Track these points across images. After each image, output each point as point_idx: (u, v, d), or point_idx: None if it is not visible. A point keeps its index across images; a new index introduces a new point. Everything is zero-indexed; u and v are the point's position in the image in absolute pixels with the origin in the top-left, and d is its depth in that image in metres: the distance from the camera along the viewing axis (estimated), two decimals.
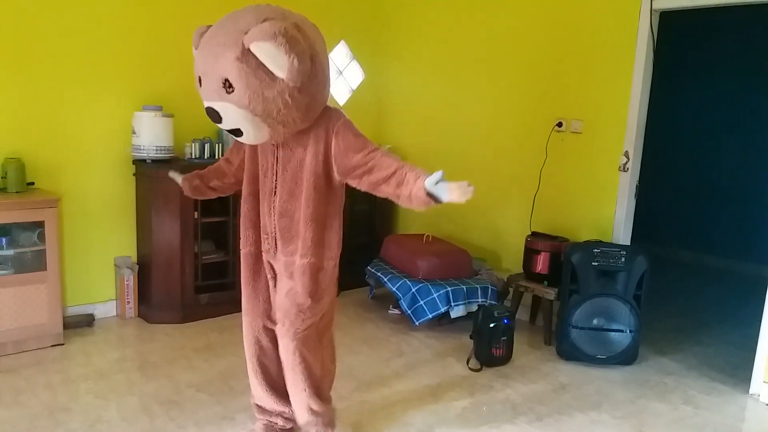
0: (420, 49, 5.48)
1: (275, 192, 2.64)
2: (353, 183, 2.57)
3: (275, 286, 2.79)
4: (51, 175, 4.11)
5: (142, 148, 4.21)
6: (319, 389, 2.80)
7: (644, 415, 3.40)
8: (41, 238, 3.82)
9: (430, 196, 2.28)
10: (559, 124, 4.51)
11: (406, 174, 2.38)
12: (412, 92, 5.60)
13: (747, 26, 6.30)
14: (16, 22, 3.88)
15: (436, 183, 2.25)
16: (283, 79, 2.26)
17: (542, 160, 4.59)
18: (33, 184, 3.97)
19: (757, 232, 6.30)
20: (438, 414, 3.30)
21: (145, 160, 4.26)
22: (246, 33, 2.21)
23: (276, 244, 2.68)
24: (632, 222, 4.35)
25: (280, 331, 2.72)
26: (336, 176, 2.58)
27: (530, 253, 4.38)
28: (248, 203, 2.77)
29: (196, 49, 2.43)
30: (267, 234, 2.71)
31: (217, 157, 4.52)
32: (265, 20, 2.24)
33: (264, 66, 2.23)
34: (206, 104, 2.40)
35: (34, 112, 4.01)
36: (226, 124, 2.40)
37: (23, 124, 3.98)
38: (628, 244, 4.28)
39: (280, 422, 2.94)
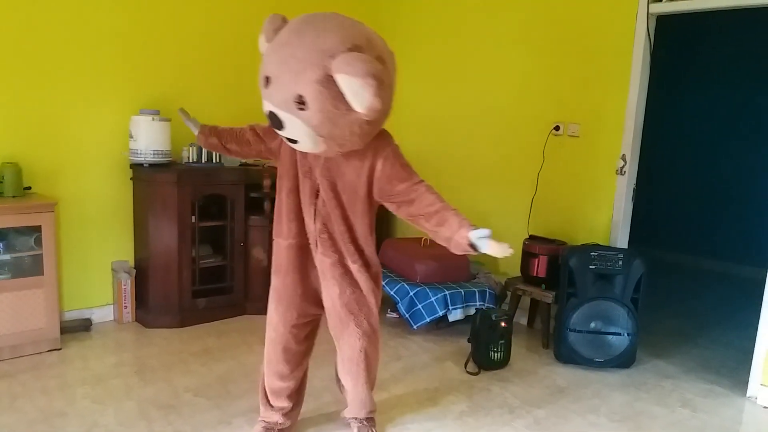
0: (417, 53, 5.49)
1: (317, 195, 2.67)
2: (390, 208, 2.67)
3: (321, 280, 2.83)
4: (48, 179, 4.11)
5: (139, 152, 4.21)
6: (373, 383, 3.02)
7: (642, 418, 3.40)
8: (38, 242, 3.81)
9: (471, 246, 2.43)
10: (557, 128, 4.52)
11: (449, 217, 2.49)
12: (410, 96, 5.60)
13: (744, 30, 6.32)
14: (13, 27, 3.88)
15: (480, 237, 2.40)
16: (357, 112, 2.26)
17: (540, 163, 4.59)
18: (30, 188, 3.97)
19: (755, 235, 6.31)
20: (436, 418, 3.29)
21: (142, 165, 4.26)
22: (332, 57, 2.18)
23: (317, 244, 2.72)
24: (629, 225, 4.36)
25: (347, 330, 2.80)
26: (375, 197, 2.66)
27: (528, 256, 4.38)
28: (291, 198, 2.72)
29: (268, 42, 2.38)
30: (309, 232, 2.74)
31: (215, 161, 4.52)
32: (352, 46, 2.21)
33: (343, 96, 2.21)
34: (270, 108, 2.35)
35: (31, 117, 4.01)
36: (285, 133, 2.40)
37: (20, 128, 3.97)
38: (626, 247, 4.29)
39: (280, 420, 2.97)
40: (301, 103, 2.24)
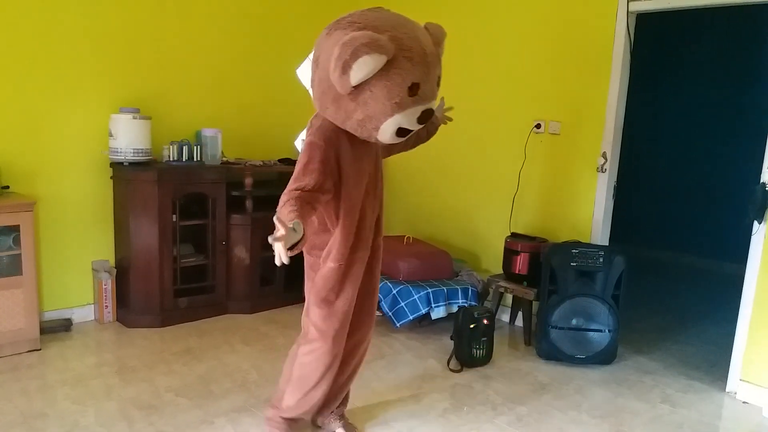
0: None
1: (373, 193, 2.74)
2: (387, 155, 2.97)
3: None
4: (27, 178, 4.06)
5: (119, 150, 4.18)
6: None
7: (623, 414, 3.43)
8: (17, 242, 3.77)
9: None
10: (538, 126, 4.54)
11: None
12: None
13: (723, 28, 6.38)
14: None
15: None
16: None
17: (521, 161, 4.61)
18: (8, 187, 3.92)
19: (734, 232, 6.33)
20: (418, 415, 3.30)
21: (122, 163, 4.22)
22: (432, 35, 2.47)
23: (370, 238, 2.79)
24: (610, 222, 4.39)
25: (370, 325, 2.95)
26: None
27: (510, 254, 4.40)
28: (351, 216, 2.62)
29: (389, 55, 2.24)
30: (366, 234, 2.74)
31: (196, 159, 4.49)
32: (425, 25, 2.52)
33: None
34: (427, 106, 2.42)
35: (10, 115, 3.96)
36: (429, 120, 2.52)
37: None
38: (606, 244, 4.32)
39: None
40: (438, 84, 2.49)
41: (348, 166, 2.54)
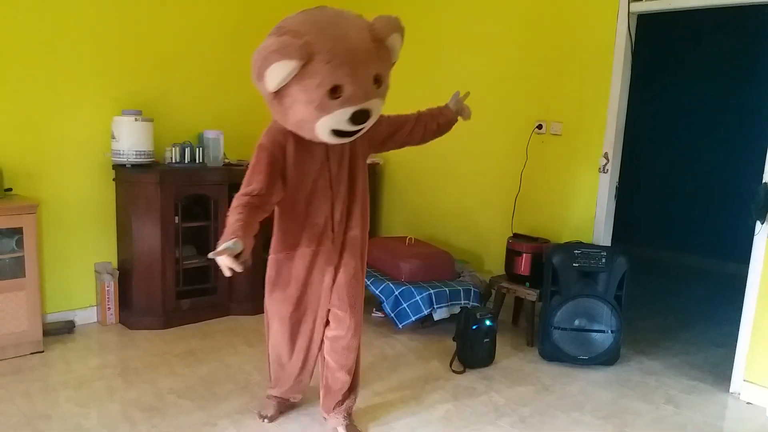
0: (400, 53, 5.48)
1: (331, 190, 2.74)
2: (390, 149, 3.02)
3: (333, 277, 2.86)
4: (29, 180, 4.07)
5: (121, 153, 4.19)
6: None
7: (626, 415, 3.42)
8: (20, 244, 3.78)
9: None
10: (539, 127, 4.54)
11: (433, 110, 3.08)
12: (392, 95, 5.58)
13: (724, 28, 6.37)
14: None
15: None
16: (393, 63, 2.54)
17: (523, 162, 4.61)
18: (11, 190, 3.93)
19: (736, 232, 6.33)
20: (421, 416, 3.30)
21: (124, 165, 4.23)
22: (372, 29, 2.41)
23: (333, 230, 2.79)
24: (612, 223, 4.38)
25: (345, 315, 2.86)
26: (373, 152, 2.94)
27: (512, 254, 4.39)
28: (290, 213, 2.76)
29: (306, 61, 2.27)
30: (323, 226, 2.77)
31: (198, 161, 4.49)
32: (364, 18, 2.47)
33: (390, 55, 2.49)
34: (357, 108, 2.40)
35: (12, 118, 3.97)
36: (369, 121, 2.51)
37: (1, 129, 3.94)
38: (609, 245, 4.31)
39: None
40: (377, 82, 2.44)
41: (291, 166, 2.64)
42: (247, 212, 2.45)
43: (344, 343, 2.91)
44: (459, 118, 3.12)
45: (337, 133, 2.46)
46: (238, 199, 2.51)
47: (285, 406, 3.22)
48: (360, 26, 2.40)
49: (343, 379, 2.98)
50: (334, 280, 2.85)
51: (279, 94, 2.37)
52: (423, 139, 3.03)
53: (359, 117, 2.42)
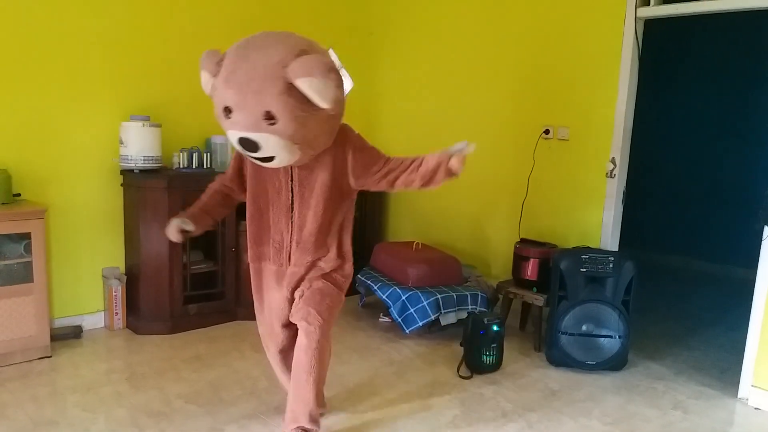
0: (408, 58, 5.50)
1: (292, 208, 2.77)
2: (370, 187, 2.82)
3: (290, 294, 2.89)
4: (38, 186, 4.09)
5: (129, 158, 4.20)
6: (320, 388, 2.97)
7: (634, 420, 3.41)
8: (28, 249, 3.79)
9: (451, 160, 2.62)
10: (546, 132, 4.54)
11: (425, 157, 2.68)
12: (401, 101, 5.61)
13: (731, 33, 6.36)
14: (2, 34, 3.86)
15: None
16: (324, 109, 2.38)
17: (530, 167, 4.61)
18: (19, 195, 3.95)
19: (744, 236, 6.30)
20: (428, 422, 3.29)
21: (132, 170, 4.24)
22: (285, 66, 2.29)
23: (290, 256, 2.83)
24: (620, 228, 4.38)
25: (304, 323, 2.81)
26: (353, 186, 2.80)
27: (519, 259, 4.39)
28: (256, 220, 2.88)
29: (213, 76, 2.45)
30: (281, 247, 2.83)
31: (206, 166, 4.51)
32: (299, 52, 2.34)
33: (307, 98, 2.33)
34: (241, 135, 2.43)
35: (21, 123, 3.99)
36: (261, 153, 2.47)
37: (9, 134, 3.95)
38: (616, 250, 4.30)
39: None
40: (270, 118, 2.35)
41: (248, 165, 2.81)
42: (216, 196, 2.97)
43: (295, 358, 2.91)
44: (449, 168, 2.64)
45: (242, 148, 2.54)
46: (215, 183, 2.99)
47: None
48: (275, 57, 2.31)
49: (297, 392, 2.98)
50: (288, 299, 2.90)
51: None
52: (392, 187, 2.78)
53: (246, 144, 2.45)
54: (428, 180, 2.66)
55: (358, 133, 2.80)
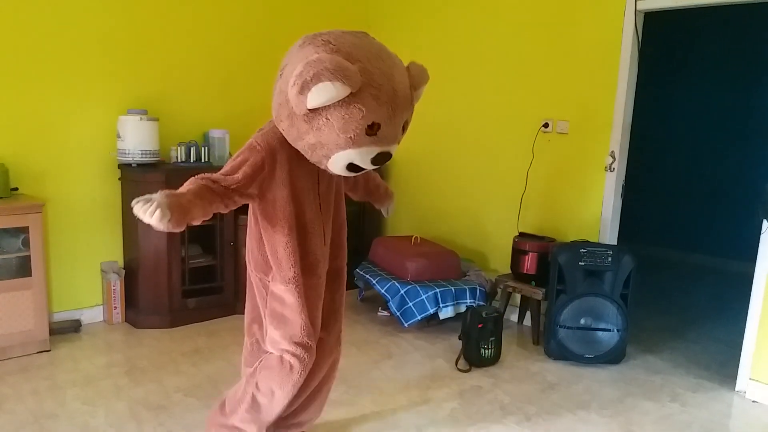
0: (405, 53, 5.47)
1: (324, 215, 2.60)
2: (352, 195, 2.95)
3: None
4: (35, 180, 4.08)
5: (127, 152, 4.19)
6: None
7: (632, 413, 3.42)
8: (26, 243, 3.79)
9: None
10: (546, 125, 4.53)
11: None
12: None
13: (732, 27, 6.36)
14: None
15: None
16: None
17: (529, 160, 4.60)
18: (17, 189, 3.94)
19: (743, 230, 6.34)
20: (427, 415, 3.30)
21: (130, 165, 4.24)
22: (410, 76, 2.31)
23: (322, 260, 2.64)
24: (619, 222, 4.38)
25: (333, 336, 2.89)
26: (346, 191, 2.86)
27: (518, 253, 4.39)
28: (293, 236, 2.50)
29: (354, 88, 2.07)
30: (316, 256, 2.59)
31: (204, 160, 4.50)
32: (408, 65, 2.36)
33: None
34: (386, 150, 2.27)
35: (18, 117, 3.98)
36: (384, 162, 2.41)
37: (7, 128, 3.95)
38: (615, 243, 4.30)
39: None
40: (404, 128, 2.35)
41: (282, 178, 2.41)
42: (199, 193, 2.20)
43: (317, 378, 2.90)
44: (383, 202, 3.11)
45: (352, 167, 2.28)
46: (203, 179, 2.24)
47: None
48: (402, 70, 2.27)
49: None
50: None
51: (314, 112, 2.11)
52: (361, 198, 3.06)
53: (381, 158, 2.27)
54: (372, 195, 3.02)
55: None
